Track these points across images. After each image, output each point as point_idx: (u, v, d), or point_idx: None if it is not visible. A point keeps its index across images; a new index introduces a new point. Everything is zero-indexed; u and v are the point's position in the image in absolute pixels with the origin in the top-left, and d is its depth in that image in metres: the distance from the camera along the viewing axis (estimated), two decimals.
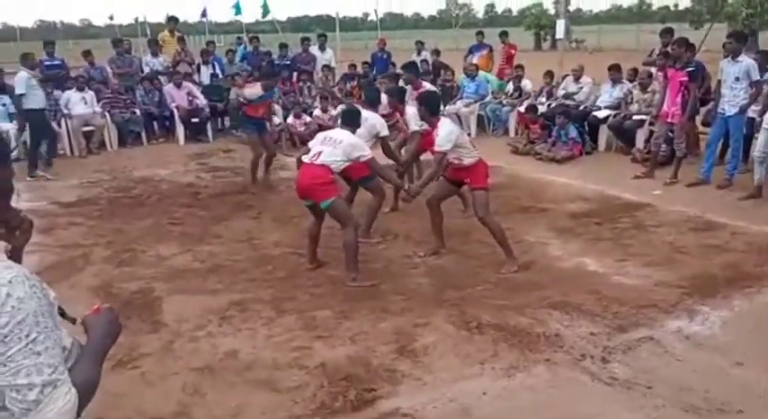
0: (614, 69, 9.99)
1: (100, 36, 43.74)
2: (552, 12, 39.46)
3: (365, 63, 13.36)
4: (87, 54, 12.04)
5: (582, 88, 10.41)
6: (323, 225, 5.31)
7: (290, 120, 10.82)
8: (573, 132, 9.34)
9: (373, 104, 6.28)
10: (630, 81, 9.90)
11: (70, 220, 6.91)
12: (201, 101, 11.45)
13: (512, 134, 10.92)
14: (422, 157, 6.72)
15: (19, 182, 8.24)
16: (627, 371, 3.61)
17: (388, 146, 6.23)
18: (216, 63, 12.82)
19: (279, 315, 4.46)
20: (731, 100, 7.30)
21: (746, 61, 7.23)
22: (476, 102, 11.39)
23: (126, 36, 17.50)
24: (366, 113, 5.79)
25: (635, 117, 9.22)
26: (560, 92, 10.71)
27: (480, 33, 14.10)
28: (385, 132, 6.01)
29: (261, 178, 8.09)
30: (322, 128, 10.66)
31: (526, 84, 11.49)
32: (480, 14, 76.72)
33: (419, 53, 14.09)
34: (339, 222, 5.05)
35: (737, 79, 7.21)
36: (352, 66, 13.46)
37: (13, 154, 8.45)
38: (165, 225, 6.71)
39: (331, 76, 12.86)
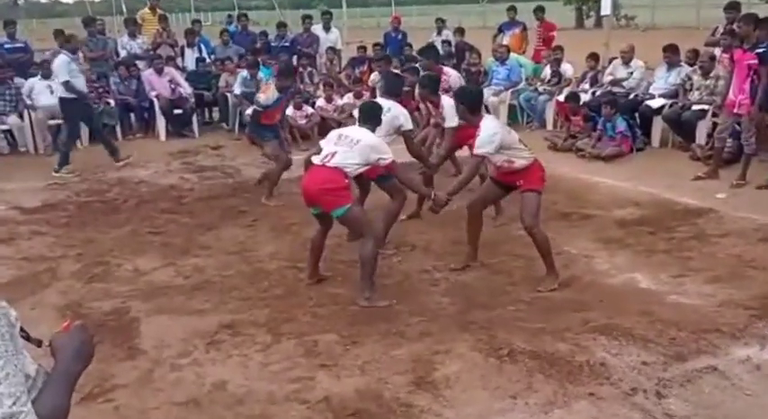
0: (670, 51, 9.94)
1: (69, 14, 44.27)
2: None
3: (377, 44, 13.39)
4: (60, 34, 12.16)
5: (632, 73, 10.37)
6: (330, 233, 5.33)
7: (290, 111, 10.89)
8: (621, 125, 9.30)
9: (394, 95, 6.30)
10: (690, 64, 9.85)
11: (34, 229, 6.97)
12: (186, 89, 11.54)
13: (549, 127, 10.93)
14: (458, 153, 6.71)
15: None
16: (686, 408, 3.58)
17: (413, 142, 6.22)
18: (203, 45, 12.93)
19: (276, 339, 4.47)
20: None
21: None
22: (507, 89, 11.40)
23: (99, 14, 17.71)
24: (387, 103, 5.81)
25: (695, 107, 9.17)
26: (607, 77, 10.67)
27: (512, 9, 14.08)
28: (409, 125, 6.02)
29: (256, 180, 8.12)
30: (325, 120, 10.79)
31: (566, 68, 11.47)
32: None
33: (439, 32, 14.12)
34: (356, 232, 5.06)
35: None
36: (362, 48, 13.51)
37: None
38: (143, 234, 6.76)
39: (337, 60, 12.92)
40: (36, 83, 10.65)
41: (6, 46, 11.46)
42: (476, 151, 5.15)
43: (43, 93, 10.57)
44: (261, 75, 10.98)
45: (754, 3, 25.74)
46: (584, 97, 10.30)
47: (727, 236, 6.15)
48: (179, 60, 12.58)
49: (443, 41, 13.26)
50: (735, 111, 7.77)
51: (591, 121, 9.71)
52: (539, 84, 11.53)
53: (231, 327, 4.66)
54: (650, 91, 10.02)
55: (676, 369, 3.96)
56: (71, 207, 7.76)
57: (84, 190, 8.47)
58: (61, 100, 9.17)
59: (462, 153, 6.83)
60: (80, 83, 9.17)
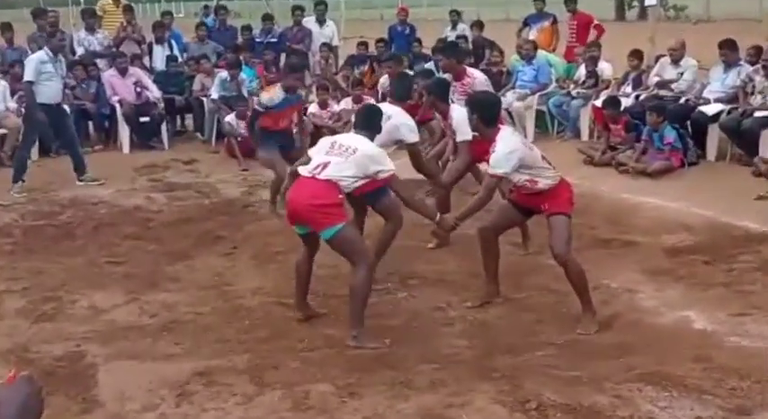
0: (728, 47, 9.99)
1: (17, 5, 44.64)
2: None
3: (380, 40, 13.48)
4: (6, 29, 12.28)
5: (682, 74, 10.41)
6: (322, 262, 5.33)
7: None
8: (670, 135, 9.33)
9: (404, 100, 6.35)
10: (751, 63, 9.89)
11: None
12: (154, 93, 11.58)
13: (584, 137, 10.94)
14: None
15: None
16: None
17: (420, 156, 6.25)
18: (174, 41, 13.03)
19: (258, 390, 4.46)
20: None
21: None
22: (534, 93, 11.43)
23: (52, 5, 17.89)
24: (389, 109, 5.85)
25: (758, 113, 9.19)
26: (652, 79, 10.72)
27: None
28: (412, 139, 6.03)
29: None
30: (319, 129, 10.82)
31: (604, 68, 11.51)
32: None
33: (454, 26, 14.22)
34: (346, 258, 5.07)
35: None
36: (363, 44, 13.62)
37: None
38: (102, 264, 6.78)
39: (333, 59, 12.99)
40: None
41: None
42: (491, 171, 5.16)
43: None
44: (243, 76, 11.06)
45: None
46: (626, 102, 10.31)
47: None
48: (146, 59, 12.68)
49: (459, 37, 13.28)
50: None
51: (634, 131, 9.72)
52: (572, 86, 11.56)
53: (206, 375, 4.64)
54: (704, 95, 10.03)
55: None
56: (16, 232, 7.79)
57: (32, 212, 8.48)
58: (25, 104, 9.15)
59: (484, 166, 6.85)
60: (51, 89, 9.12)
